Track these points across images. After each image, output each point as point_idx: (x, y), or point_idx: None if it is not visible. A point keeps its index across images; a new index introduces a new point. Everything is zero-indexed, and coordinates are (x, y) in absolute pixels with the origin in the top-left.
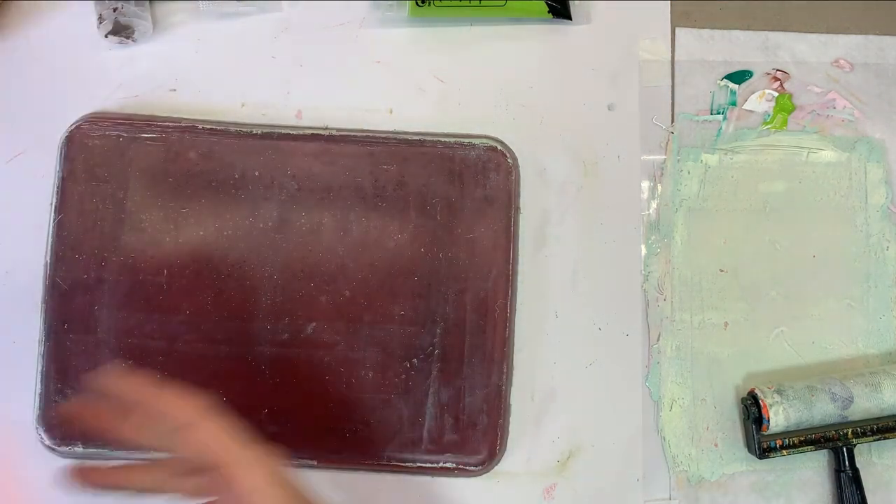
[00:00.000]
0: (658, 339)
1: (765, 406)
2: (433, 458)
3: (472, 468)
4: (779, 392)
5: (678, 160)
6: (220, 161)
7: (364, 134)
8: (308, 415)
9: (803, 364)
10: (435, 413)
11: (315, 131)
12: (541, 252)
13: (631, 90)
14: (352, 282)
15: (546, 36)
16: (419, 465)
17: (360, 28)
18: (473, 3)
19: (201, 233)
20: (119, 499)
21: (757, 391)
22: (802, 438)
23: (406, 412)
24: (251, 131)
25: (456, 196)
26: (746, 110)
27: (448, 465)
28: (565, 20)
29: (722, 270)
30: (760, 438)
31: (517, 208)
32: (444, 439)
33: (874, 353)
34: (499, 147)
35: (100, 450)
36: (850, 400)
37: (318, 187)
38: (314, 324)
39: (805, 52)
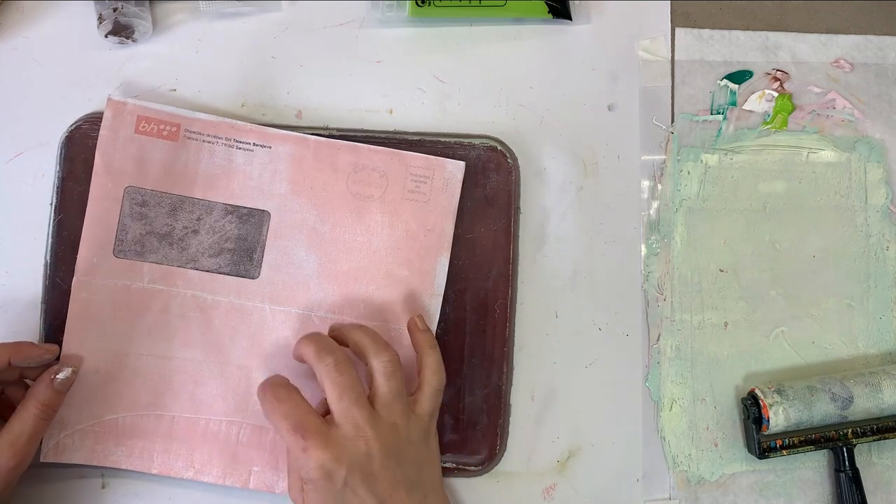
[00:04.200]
0: (658, 339)
1: (765, 406)
2: None
3: (471, 468)
4: (779, 392)
5: (678, 160)
6: None
7: (364, 134)
8: None
9: (803, 364)
10: None
11: (315, 131)
12: (541, 252)
13: (631, 90)
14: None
15: (546, 36)
16: None
17: (360, 28)
18: (473, 3)
19: None
20: None
21: (757, 391)
22: (802, 438)
23: None
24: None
25: None
26: (746, 110)
27: (448, 464)
28: (565, 20)
29: (722, 270)
30: (760, 438)
31: (517, 208)
32: (443, 439)
33: (874, 353)
34: (499, 147)
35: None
36: (850, 400)
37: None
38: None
39: (805, 52)
